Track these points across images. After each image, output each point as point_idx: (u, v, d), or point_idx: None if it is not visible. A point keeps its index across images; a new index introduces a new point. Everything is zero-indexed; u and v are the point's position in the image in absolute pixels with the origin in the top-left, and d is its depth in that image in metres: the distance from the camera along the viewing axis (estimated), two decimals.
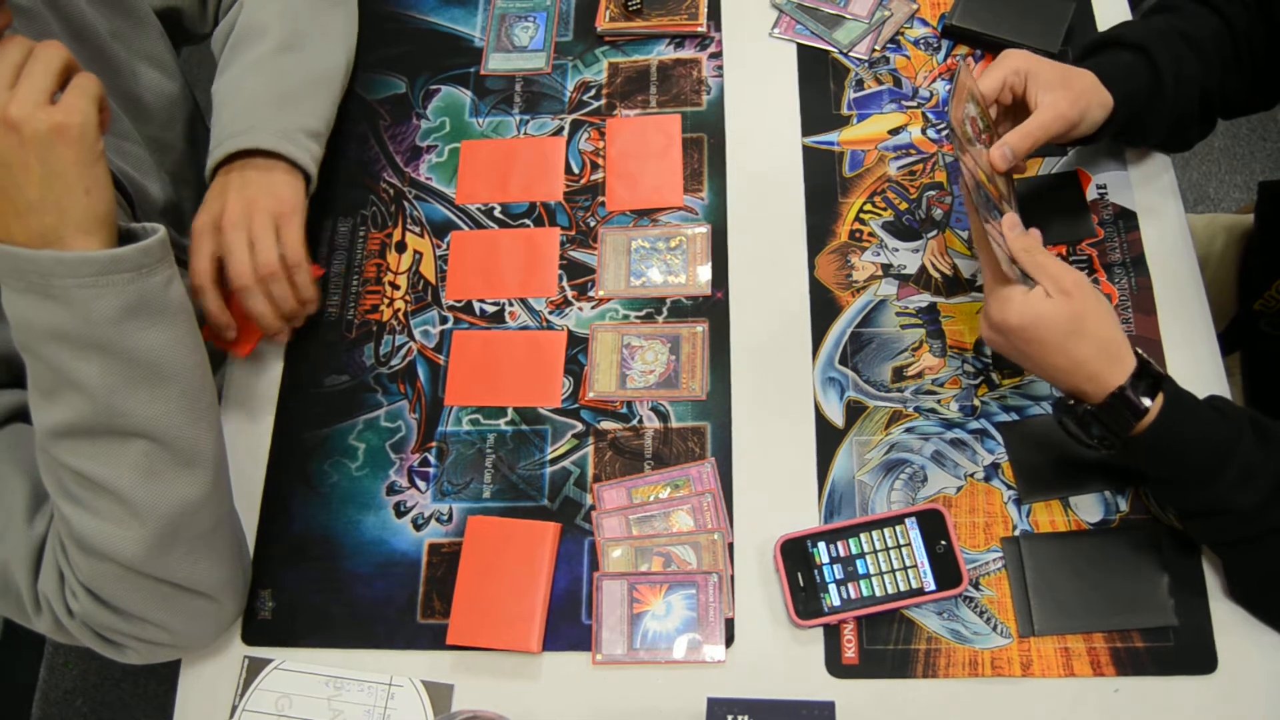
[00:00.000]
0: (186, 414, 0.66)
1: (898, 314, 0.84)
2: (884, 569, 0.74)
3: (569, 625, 0.76)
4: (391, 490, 0.82)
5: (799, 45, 0.97)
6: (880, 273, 0.86)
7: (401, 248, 0.92)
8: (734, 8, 0.99)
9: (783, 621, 0.74)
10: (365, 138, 0.97)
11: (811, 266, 0.87)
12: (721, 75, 0.96)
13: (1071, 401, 0.69)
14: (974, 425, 0.80)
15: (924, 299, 0.85)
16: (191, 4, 0.94)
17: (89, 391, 0.62)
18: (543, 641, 0.75)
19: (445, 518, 0.81)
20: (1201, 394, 0.68)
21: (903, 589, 0.73)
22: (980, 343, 0.83)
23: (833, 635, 0.74)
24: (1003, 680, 0.72)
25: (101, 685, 1.60)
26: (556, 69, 0.98)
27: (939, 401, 0.81)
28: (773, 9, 0.99)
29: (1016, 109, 0.77)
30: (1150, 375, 0.66)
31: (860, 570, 0.74)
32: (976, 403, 0.81)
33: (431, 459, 0.83)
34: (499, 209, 0.92)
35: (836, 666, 0.73)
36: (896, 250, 0.87)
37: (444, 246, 0.91)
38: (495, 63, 0.99)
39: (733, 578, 0.76)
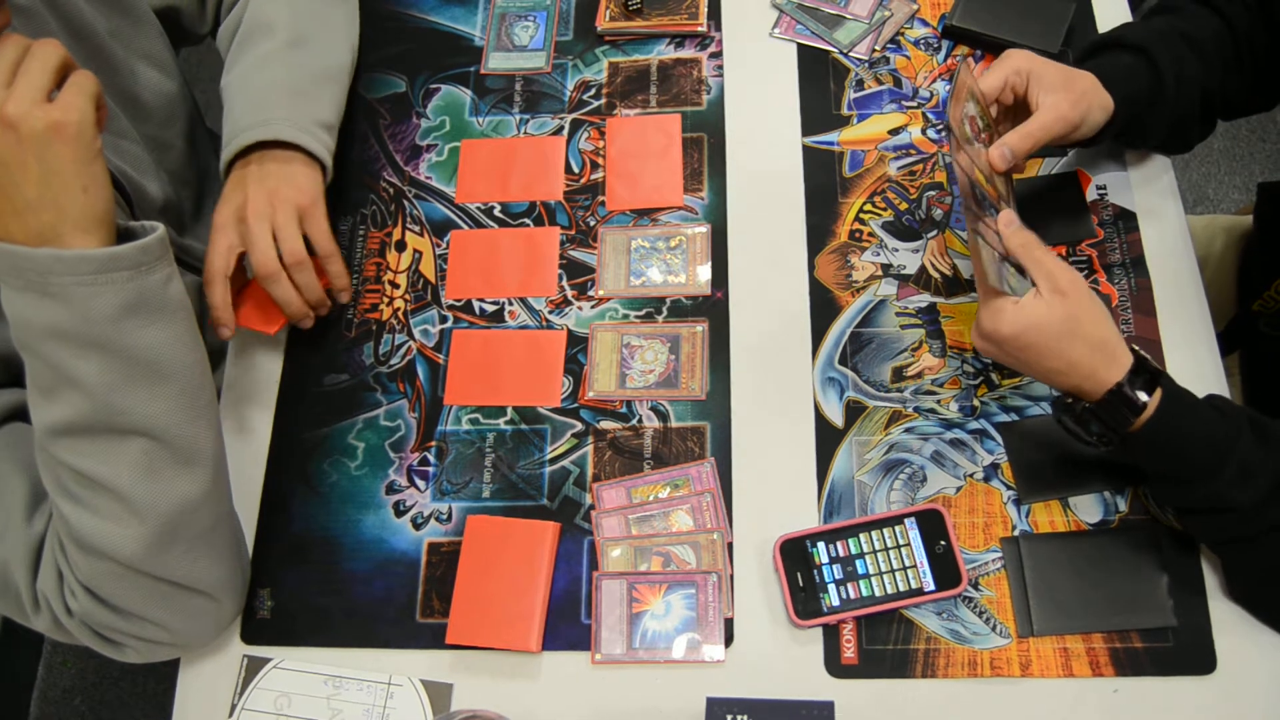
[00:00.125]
0: (186, 412, 0.66)
1: (897, 314, 0.84)
2: (883, 569, 0.74)
3: (568, 625, 0.76)
4: (391, 489, 0.82)
5: (799, 45, 0.97)
6: (880, 273, 0.86)
7: (401, 247, 0.92)
8: (734, 8, 0.99)
9: (782, 621, 0.74)
10: (365, 136, 0.97)
11: (811, 266, 0.87)
12: (722, 75, 0.96)
13: (1070, 400, 0.69)
14: (973, 425, 0.80)
15: (924, 299, 0.85)
16: (190, 3, 0.94)
17: (88, 390, 0.62)
18: (542, 641, 0.75)
19: (445, 517, 0.81)
20: (1201, 394, 0.68)
21: (902, 589, 0.73)
22: None
23: (832, 635, 0.74)
24: (1002, 680, 0.72)
25: (100, 684, 1.60)
26: (556, 68, 0.98)
27: (939, 402, 0.81)
28: (773, 9, 0.99)
29: (1017, 109, 0.77)
30: (1147, 371, 0.66)
31: (859, 570, 0.74)
32: (976, 403, 0.81)
33: (431, 458, 0.83)
34: (499, 208, 0.92)
35: (836, 666, 0.73)
36: (896, 250, 0.87)
37: (444, 246, 0.91)
38: (495, 62, 0.99)
39: (732, 577, 0.76)
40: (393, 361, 0.87)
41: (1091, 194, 0.87)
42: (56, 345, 0.61)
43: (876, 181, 0.90)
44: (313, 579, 0.79)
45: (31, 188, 0.59)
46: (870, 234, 0.88)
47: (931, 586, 0.73)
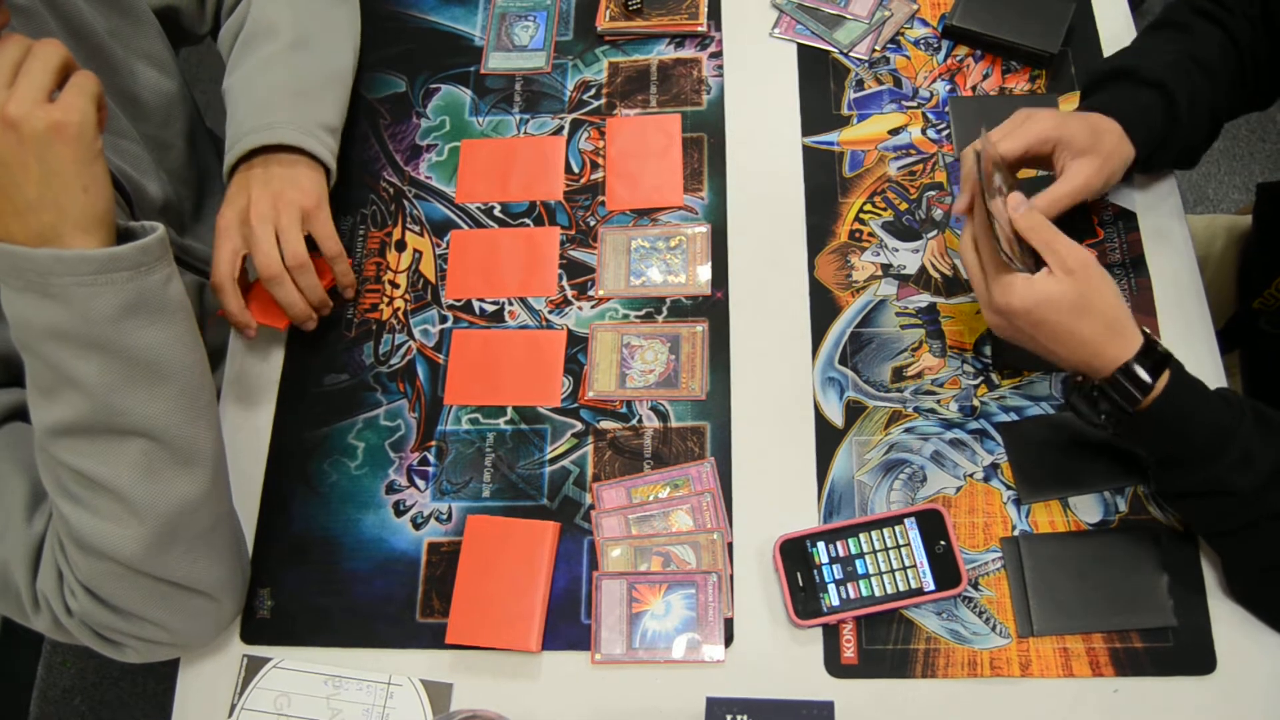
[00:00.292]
0: (185, 412, 0.66)
1: (897, 314, 0.84)
2: (883, 569, 0.74)
3: (568, 625, 0.76)
4: (391, 489, 0.82)
5: (799, 45, 0.97)
6: (880, 273, 0.86)
7: (401, 246, 0.92)
8: (734, 8, 0.99)
9: (782, 621, 0.74)
10: (365, 136, 0.97)
11: (811, 266, 0.87)
12: (722, 75, 0.96)
13: (1080, 379, 0.69)
14: (973, 425, 0.80)
15: (924, 299, 0.85)
16: (190, 3, 0.94)
17: (88, 390, 0.62)
18: (542, 641, 0.75)
19: (444, 517, 0.81)
20: None
21: (902, 589, 0.73)
22: (980, 342, 0.83)
23: (832, 635, 0.74)
24: (1002, 680, 0.72)
25: (100, 684, 1.60)
26: (556, 68, 0.98)
27: (938, 402, 0.81)
28: (773, 9, 0.99)
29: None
30: (1157, 354, 0.66)
31: (859, 570, 0.74)
32: (976, 403, 0.81)
33: (431, 458, 0.83)
34: (499, 208, 0.92)
35: (836, 666, 0.73)
36: (896, 250, 0.87)
37: (444, 245, 0.91)
38: (495, 62, 0.99)
39: (732, 577, 0.76)
40: (393, 361, 0.87)
41: None
42: (56, 345, 0.61)
43: (876, 181, 0.90)
44: (313, 579, 0.79)
45: (32, 188, 0.59)
46: (870, 234, 0.88)
47: (931, 586, 0.73)
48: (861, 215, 0.89)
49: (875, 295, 0.85)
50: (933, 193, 0.89)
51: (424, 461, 0.83)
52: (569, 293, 0.88)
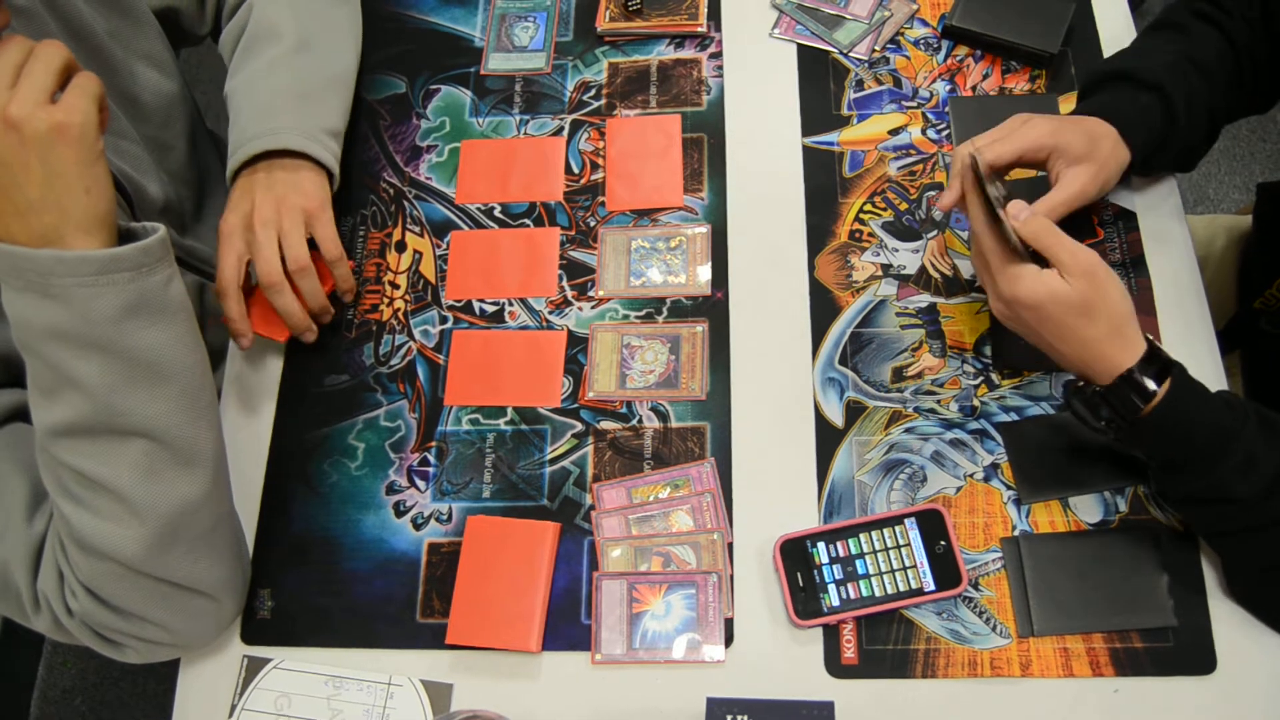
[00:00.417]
0: (186, 413, 0.66)
1: (898, 314, 0.84)
2: (883, 569, 0.74)
3: (568, 625, 0.76)
4: (391, 490, 0.82)
5: (799, 45, 0.97)
6: (880, 273, 0.86)
7: (401, 247, 0.92)
8: (734, 8, 0.99)
9: (782, 621, 0.74)
10: (365, 137, 0.97)
11: (811, 266, 0.87)
12: (721, 75, 0.96)
13: (1081, 383, 0.69)
14: (973, 425, 0.80)
15: (924, 299, 0.85)
16: (190, 4, 0.94)
17: (89, 390, 0.62)
18: (542, 641, 0.75)
19: (445, 517, 0.81)
20: None
21: (902, 589, 0.73)
22: (980, 342, 0.83)
23: (832, 635, 0.74)
24: (1002, 680, 0.72)
25: (100, 684, 1.60)
26: (556, 69, 0.98)
27: (939, 402, 0.81)
28: (773, 9, 0.99)
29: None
30: (1160, 361, 0.66)
31: (860, 570, 0.74)
32: (976, 403, 0.81)
33: (431, 458, 0.83)
34: (499, 209, 0.92)
35: (836, 666, 0.73)
36: (896, 250, 0.87)
37: (444, 246, 0.91)
38: (495, 63, 0.99)
39: (732, 578, 0.76)
40: (393, 362, 0.87)
41: None
42: (57, 346, 0.61)
43: (876, 182, 0.90)
44: (313, 579, 0.80)
45: (34, 189, 0.59)
46: (870, 234, 0.88)
47: (931, 586, 0.73)
48: (861, 215, 0.89)
49: (875, 295, 0.85)
50: (933, 193, 0.89)
51: (424, 462, 0.83)
52: (569, 293, 0.88)
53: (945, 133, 0.91)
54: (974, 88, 0.93)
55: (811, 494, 0.79)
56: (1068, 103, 0.90)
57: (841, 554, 0.74)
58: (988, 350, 0.82)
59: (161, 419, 0.64)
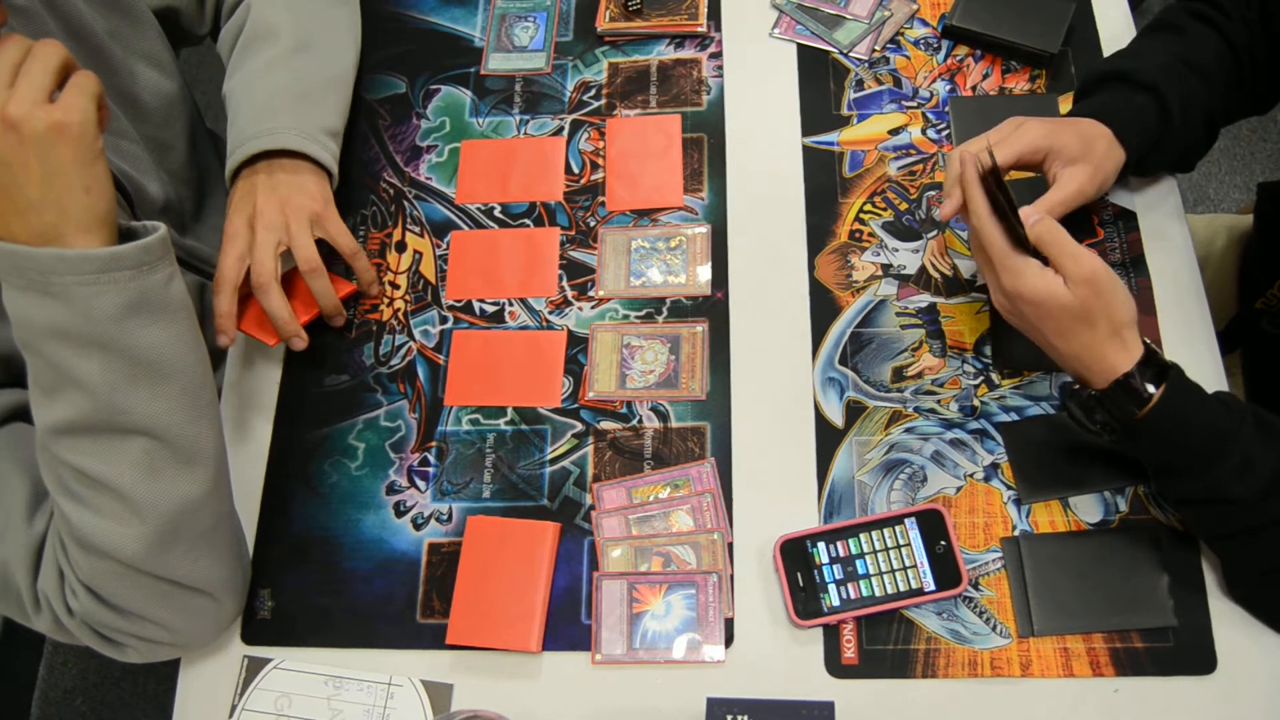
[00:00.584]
0: (187, 411, 0.66)
1: (898, 314, 0.84)
2: (883, 569, 0.74)
3: (568, 625, 0.76)
4: (391, 490, 0.82)
5: (799, 45, 0.97)
6: (880, 273, 0.86)
7: (401, 247, 0.92)
8: (734, 8, 0.99)
9: (782, 621, 0.74)
10: (365, 137, 0.97)
11: (811, 266, 0.87)
12: (721, 75, 0.96)
13: (1077, 386, 0.69)
14: (974, 425, 0.80)
15: (924, 299, 0.85)
16: (189, 4, 0.94)
17: (90, 389, 0.62)
18: (542, 641, 0.75)
19: (445, 517, 0.81)
20: None
21: (902, 589, 0.73)
22: (980, 342, 0.83)
23: (832, 635, 0.74)
24: (1002, 680, 0.72)
25: (101, 684, 1.60)
26: (556, 69, 0.98)
27: (939, 402, 0.81)
28: (773, 9, 0.99)
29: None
30: (1156, 364, 0.66)
31: (860, 570, 0.74)
32: (976, 403, 0.81)
33: (431, 458, 0.83)
34: (499, 209, 0.92)
35: (836, 666, 0.73)
36: (896, 250, 0.87)
37: (444, 246, 0.91)
38: (495, 63, 0.99)
39: (732, 578, 0.76)
40: (393, 362, 0.87)
41: None
42: (58, 345, 0.61)
43: (876, 181, 0.90)
44: (313, 579, 0.80)
45: (34, 188, 0.59)
46: (870, 234, 0.88)
47: (932, 586, 0.73)
48: (861, 215, 0.89)
49: (875, 295, 0.85)
50: (933, 193, 0.89)
51: (424, 462, 0.83)
52: (569, 293, 0.88)
53: (945, 133, 0.91)
54: (974, 88, 0.93)
55: (811, 494, 0.79)
56: (1068, 103, 0.90)
57: (841, 554, 0.74)
58: (988, 350, 0.82)
59: (162, 417, 0.64)
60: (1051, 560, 0.74)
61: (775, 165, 0.92)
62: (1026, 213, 0.70)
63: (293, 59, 0.88)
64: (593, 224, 0.91)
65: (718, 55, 0.97)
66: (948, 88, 0.93)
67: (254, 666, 0.77)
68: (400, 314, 0.89)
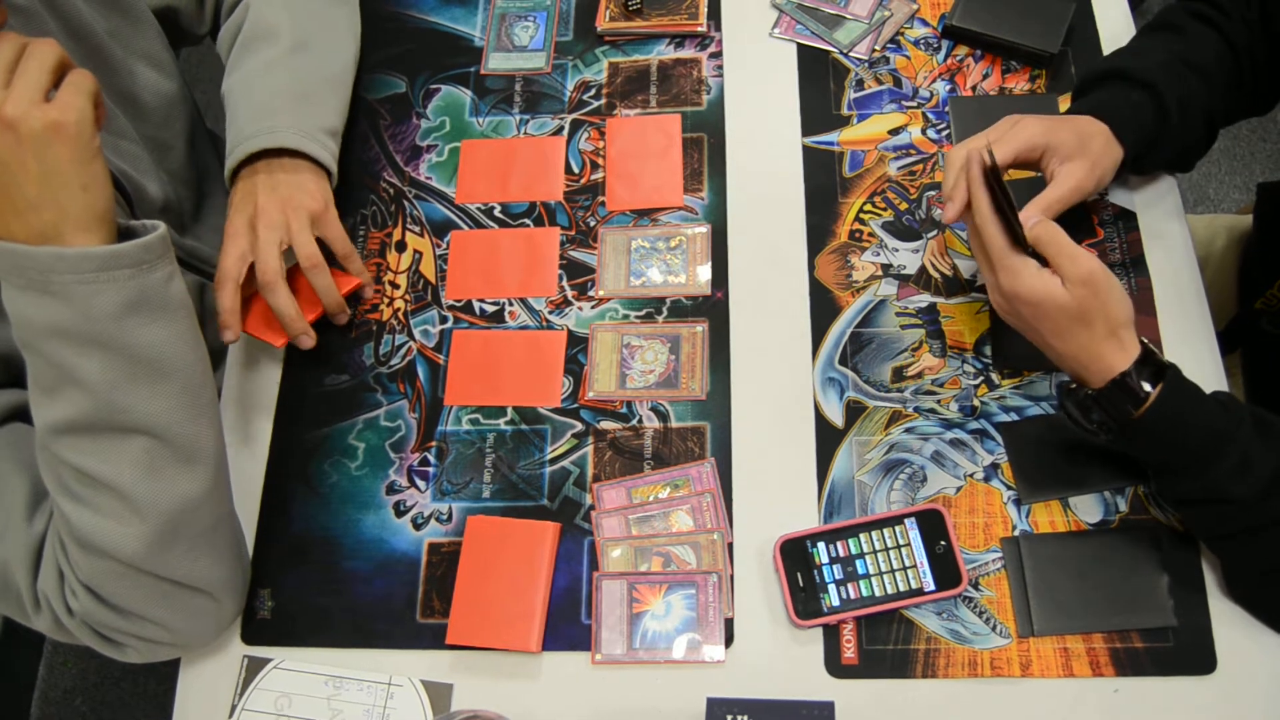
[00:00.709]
0: (187, 410, 0.66)
1: (898, 314, 0.84)
2: (883, 569, 0.74)
3: (568, 625, 0.76)
4: (391, 490, 0.82)
5: (799, 45, 0.97)
6: (880, 273, 0.86)
7: (401, 247, 0.92)
8: (734, 8, 0.99)
9: (782, 621, 0.74)
10: (365, 137, 0.97)
11: (811, 266, 0.87)
12: (721, 75, 0.96)
13: (1074, 385, 0.69)
14: (974, 425, 0.80)
15: (924, 299, 0.85)
16: (189, 4, 0.94)
17: (90, 388, 0.62)
18: (542, 641, 0.75)
19: (445, 517, 0.81)
20: None
21: (902, 589, 0.73)
22: (980, 342, 0.83)
23: (832, 635, 0.74)
24: (1002, 680, 0.72)
25: (101, 684, 1.60)
26: (556, 69, 0.98)
27: (939, 402, 0.81)
28: (773, 9, 0.99)
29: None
30: (1154, 363, 0.66)
31: (860, 570, 0.74)
32: (976, 403, 0.80)
33: (431, 458, 0.83)
34: (499, 209, 0.92)
35: (836, 666, 0.73)
36: (896, 250, 0.87)
37: (444, 246, 0.91)
38: (495, 62, 0.99)
39: (732, 578, 0.76)
40: (393, 362, 0.87)
41: None
42: (58, 343, 0.61)
43: (876, 181, 0.90)
44: (313, 579, 0.79)
45: (32, 187, 0.59)
46: (870, 234, 0.88)
47: (932, 586, 0.73)
48: (861, 215, 0.89)
49: (875, 295, 0.85)
50: (933, 193, 0.89)
51: (424, 462, 0.83)
52: (569, 293, 0.88)
53: (945, 133, 0.91)
54: (974, 88, 0.93)
55: (811, 494, 0.79)
56: (1068, 103, 0.90)
57: (841, 554, 0.74)
58: (988, 350, 0.82)
59: (162, 416, 0.64)
60: (1051, 560, 0.74)
61: (775, 165, 0.91)
62: (1026, 214, 0.70)
63: (292, 58, 0.88)
64: (593, 224, 0.91)
65: (718, 55, 0.97)
66: (948, 88, 0.93)
67: (254, 666, 0.77)
68: (400, 314, 0.89)
